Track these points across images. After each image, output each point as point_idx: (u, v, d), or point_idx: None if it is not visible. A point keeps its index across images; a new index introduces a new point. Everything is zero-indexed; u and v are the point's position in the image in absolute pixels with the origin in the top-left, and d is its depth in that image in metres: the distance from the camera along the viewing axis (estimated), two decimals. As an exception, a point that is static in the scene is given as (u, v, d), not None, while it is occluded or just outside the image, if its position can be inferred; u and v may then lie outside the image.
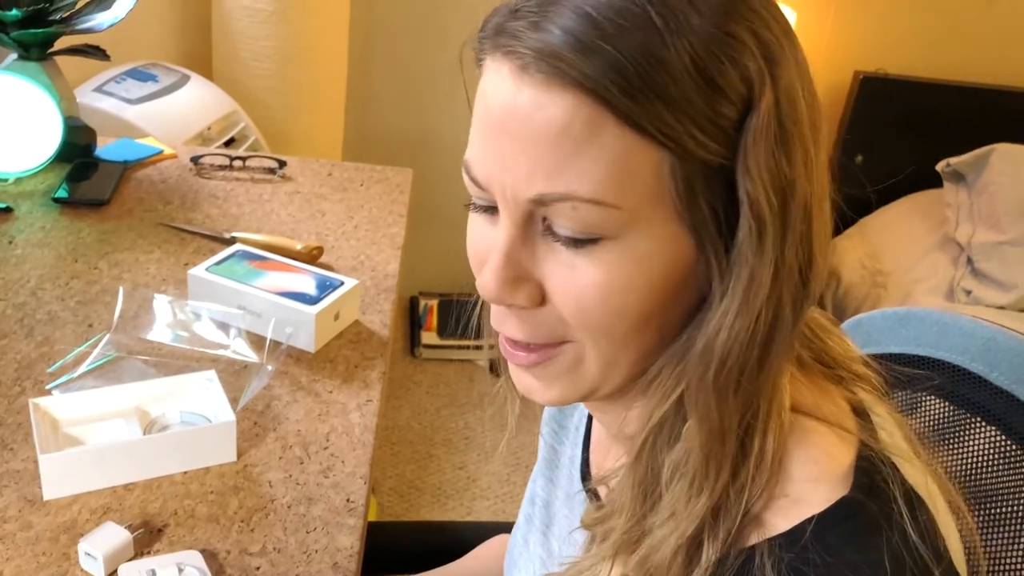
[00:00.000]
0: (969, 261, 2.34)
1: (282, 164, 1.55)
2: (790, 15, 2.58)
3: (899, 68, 2.67)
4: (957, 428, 0.75)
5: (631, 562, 0.53)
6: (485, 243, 0.53)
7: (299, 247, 1.26)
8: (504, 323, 0.54)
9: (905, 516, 0.49)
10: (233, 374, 1.03)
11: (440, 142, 2.70)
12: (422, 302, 2.81)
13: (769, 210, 0.47)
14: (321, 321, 1.07)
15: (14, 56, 1.48)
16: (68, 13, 1.45)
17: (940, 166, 2.51)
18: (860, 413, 0.55)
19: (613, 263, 0.49)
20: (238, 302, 1.10)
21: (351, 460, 0.94)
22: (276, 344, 1.06)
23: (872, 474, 0.50)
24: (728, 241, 0.49)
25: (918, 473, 0.53)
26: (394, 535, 1.20)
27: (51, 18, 1.43)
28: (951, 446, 0.75)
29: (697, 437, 0.50)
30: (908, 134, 2.67)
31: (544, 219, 0.50)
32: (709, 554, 0.50)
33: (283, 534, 0.84)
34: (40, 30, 1.42)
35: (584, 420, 0.74)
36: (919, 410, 0.79)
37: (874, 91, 2.64)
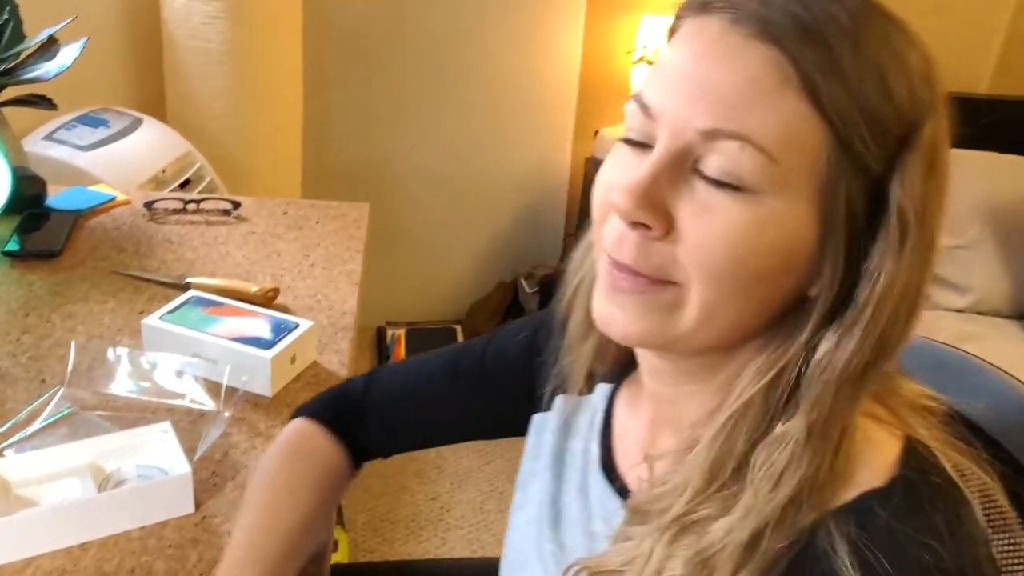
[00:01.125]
0: (927, 266, 2.37)
1: (236, 205, 1.54)
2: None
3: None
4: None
5: (686, 546, 0.54)
6: (618, 174, 0.57)
7: (254, 290, 1.26)
8: (622, 244, 0.56)
9: (953, 498, 0.52)
10: (191, 423, 1.02)
11: (400, 171, 2.71)
12: (389, 332, 2.81)
13: (913, 224, 0.51)
14: (277, 365, 1.07)
15: (-41, 109, 1.47)
16: (12, 64, 1.44)
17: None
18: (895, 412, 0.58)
19: (749, 215, 0.52)
20: (193, 350, 1.09)
21: (311, 505, 0.93)
22: (233, 390, 1.06)
23: (920, 459, 0.54)
24: (853, 249, 0.53)
25: (960, 464, 0.56)
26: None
27: (-5, 70, 1.42)
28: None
29: (803, 432, 0.52)
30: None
31: (696, 161, 0.53)
32: (773, 542, 0.52)
33: None
34: (-16, 83, 1.41)
35: (599, 416, 0.76)
36: None
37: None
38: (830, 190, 0.52)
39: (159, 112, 2.12)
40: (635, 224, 0.55)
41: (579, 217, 2.94)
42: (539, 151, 2.78)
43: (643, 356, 0.67)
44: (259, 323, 1.13)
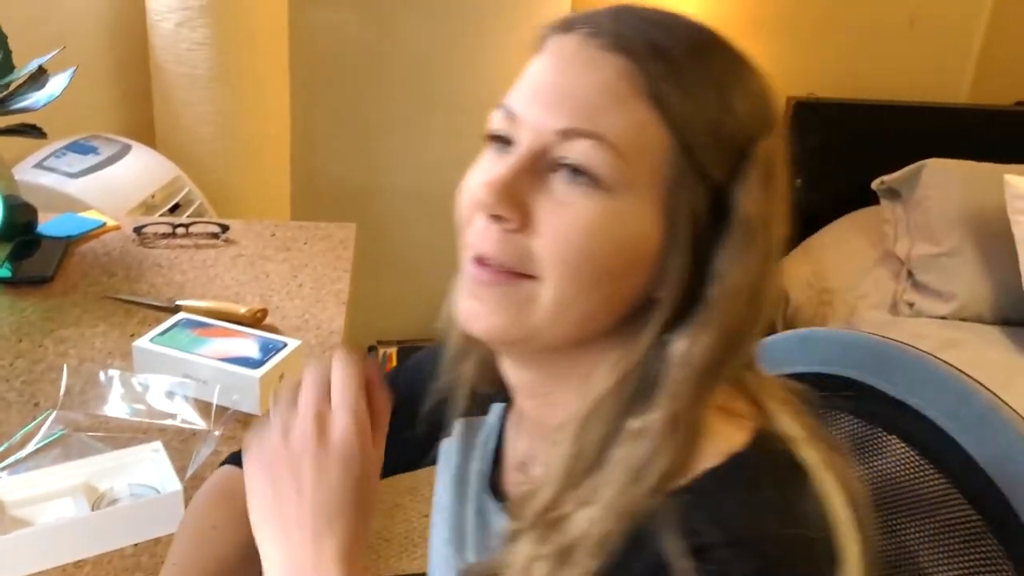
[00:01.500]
0: (910, 275, 2.40)
1: (225, 228, 1.57)
2: (719, 48, 2.66)
3: (829, 91, 2.76)
4: (862, 440, 0.79)
5: (551, 542, 0.57)
6: (483, 171, 0.60)
7: (243, 311, 1.28)
8: (484, 237, 0.59)
9: (792, 480, 0.55)
10: (182, 442, 1.04)
11: (389, 191, 2.74)
12: (380, 350, 2.83)
13: (758, 227, 0.56)
14: (265, 384, 1.09)
15: (-50, 140, 1.50)
16: (2, 95, 1.47)
17: (875, 184, 2.59)
18: (760, 406, 0.61)
19: (600, 211, 0.56)
20: (183, 371, 1.12)
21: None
22: (223, 410, 1.08)
23: (766, 444, 0.57)
24: (696, 251, 0.57)
25: (811, 455, 0.58)
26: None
27: (-15, 101, 1.45)
28: (856, 457, 0.79)
29: (661, 425, 0.55)
30: (843, 155, 2.75)
31: (554, 161, 0.57)
32: (623, 531, 0.55)
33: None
34: (-25, 113, 1.44)
35: (493, 435, 0.77)
36: (829, 424, 0.83)
37: (807, 115, 2.73)
38: (674, 192, 0.56)
39: (148, 138, 2.15)
40: (495, 217, 0.58)
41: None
42: (526, 168, 2.81)
43: (509, 371, 0.68)
44: (248, 343, 1.15)
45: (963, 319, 2.31)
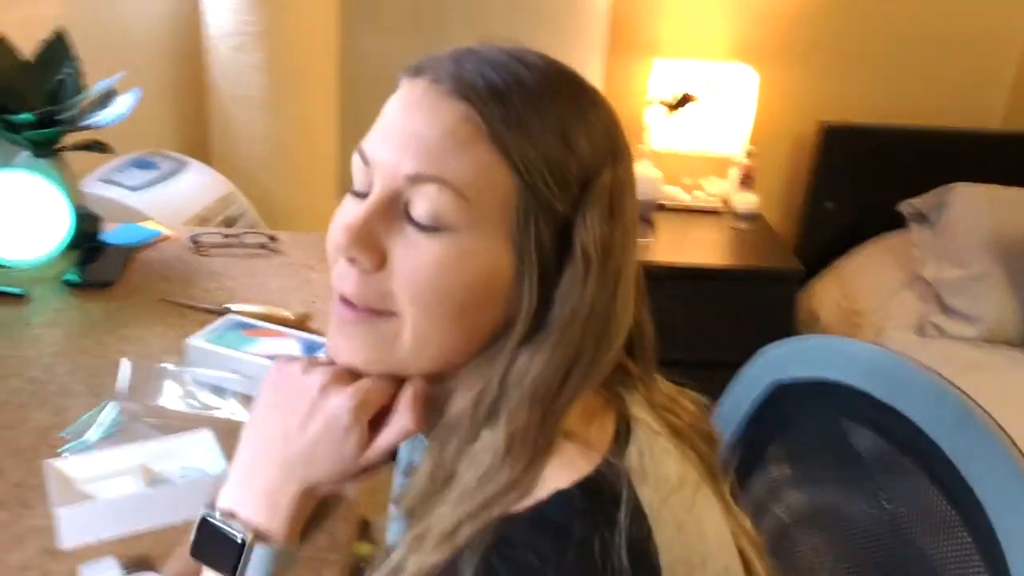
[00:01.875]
0: (937, 297, 2.44)
1: (273, 239, 1.68)
2: (752, 74, 2.73)
3: (861, 116, 2.81)
4: (841, 439, 0.86)
5: (410, 534, 0.62)
6: (345, 215, 0.63)
7: (288, 314, 1.38)
8: (344, 278, 0.63)
9: (616, 520, 0.57)
10: (229, 433, 1.14)
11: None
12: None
13: (595, 258, 0.60)
14: (307, 380, 1.19)
15: (26, 153, 1.62)
16: (74, 113, 1.60)
17: (902, 207, 2.64)
18: (625, 427, 0.64)
19: (449, 251, 0.60)
20: (232, 367, 1.22)
21: (333, 504, 1.04)
22: (267, 403, 1.17)
23: (597, 482, 0.59)
24: (545, 280, 0.61)
25: (652, 493, 0.60)
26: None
27: (58, 118, 1.58)
28: (842, 456, 0.85)
29: (501, 443, 0.60)
30: (873, 179, 2.80)
31: (406, 205, 0.61)
32: (466, 535, 0.59)
33: (273, 570, 0.94)
34: (49, 130, 1.56)
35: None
36: (807, 427, 0.90)
37: (838, 140, 2.78)
38: (521, 227, 0.60)
39: (204, 155, 2.28)
40: (351, 259, 0.61)
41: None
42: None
43: None
44: (291, 343, 1.25)
45: (990, 342, 2.35)
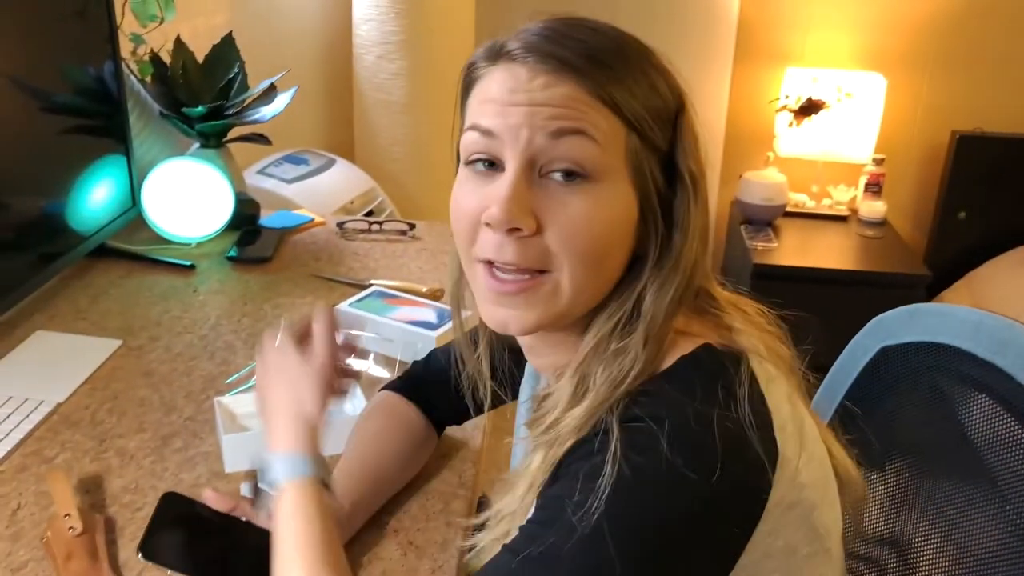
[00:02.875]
0: (1075, 308, 2.37)
1: (412, 227, 1.80)
2: (881, 81, 2.72)
3: (995, 126, 2.75)
4: (956, 397, 0.89)
5: (546, 441, 0.70)
6: (477, 198, 0.70)
7: (424, 289, 1.50)
8: (503, 249, 0.68)
9: (734, 380, 0.66)
10: (371, 388, 1.25)
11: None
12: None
13: (698, 178, 0.70)
14: (441, 343, 1.29)
15: (197, 144, 1.81)
16: (239, 108, 1.77)
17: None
18: (728, 331, 0.72)
19: (593, 200, 0.67)
20: (374, 330, 1.34)
21: (464, 450, 1.14)
22: (404, 363, 1.29)
23: (716, 351, 0.69)
24: (664, 212, 0.70)
25: (764, 371, 0.69)
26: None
27: (226, 112, 1.75)
28: (948, 412, 0.89)
29: (640, 343, 0.68)
30: (1009, 189, 2.73)
31: (543, 167, 0.67)
32: (599, 413, 0.67)
33: (409, 499, 1.04)
34: (218, 122, 1.74)
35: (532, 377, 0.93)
36: (911, 387, 0.93)
37: (972, 149, 2.73)
38: (639, 170, 0.68)
39: (349, 154, 2.45)
40: (511, 230, 0.67)
41: (724, 257, 3.07)
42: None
43: (521, 341, 0.82)
44: (427, 312, 1.36)
45: None
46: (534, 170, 0.67)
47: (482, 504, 0.83)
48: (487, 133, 0.69)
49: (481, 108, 0.70)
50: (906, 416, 0.97)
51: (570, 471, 0.65)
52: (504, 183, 0.67)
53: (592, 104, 0.66)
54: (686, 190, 0.70)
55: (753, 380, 0.67)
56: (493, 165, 0.69)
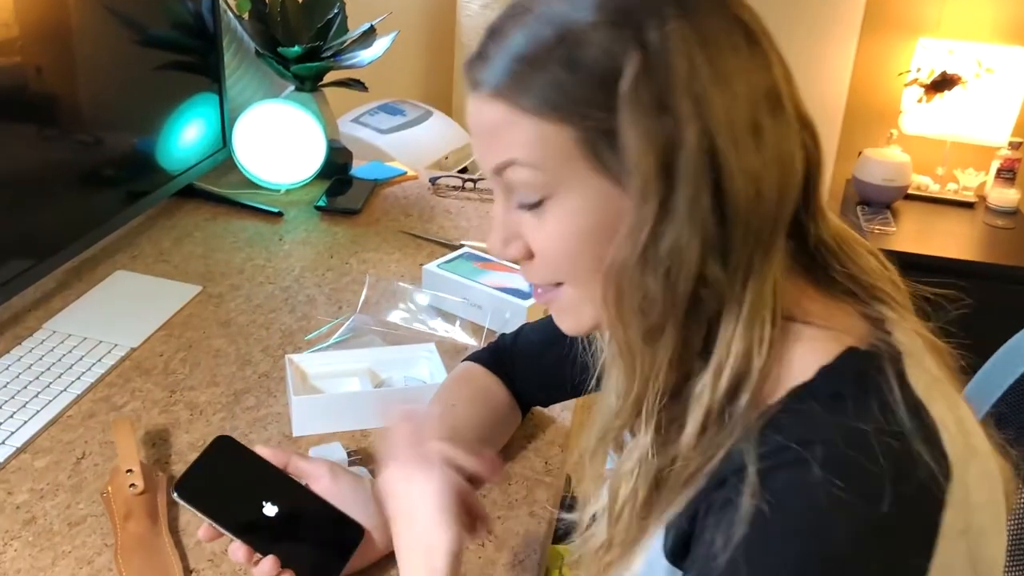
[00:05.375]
0: None
1: (508, 186, 1.71)
2: (1028, 57, 2.49)
3: None
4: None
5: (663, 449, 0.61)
6: (490, 229, 0.68)
7: (518, 253, 1.41)
8: (522, 273, 0.68)
9: (889, 391, 0.55)
10: (454, 354, 1.17)
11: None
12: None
13: (653, 160, 0.56)
14: (533, 314, 1.20)
15: (291, 88, 1.75)
16: (337, 50, 1.70)
17: None
18: (875, 323, 0.61)
19: (559, 217, 0.61)
20: (463, 294, 1.25)
21: (550, 431, 1.05)
22: (491, 332, 1.20)
23: (863, 357, 0.58)
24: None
25: (918, 373, 0.58)
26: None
27: (323, 54, 1.68)
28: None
29: (739, 334, 0.58)
30: None
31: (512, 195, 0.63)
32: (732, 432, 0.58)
33: (488, 483, 0.96)
34: (315, 64, 1.67)
35: None
36: None
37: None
38: (596, 155, 0.58)
39: (445, 106, 2.36)
40: (510, 259, 0.66)
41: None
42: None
43: None
44: (520, 279, 1.27)
45: None
46: (511, 199, 0.64)
47: (570, 504, 0.74)
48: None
49: None
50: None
51: (705, 536, 0.56)
52: (494, 217, 0.66)
53: (517, 121, 0.59)
54: (639, 175, 0.57)
55: (911, 387, 0.57)
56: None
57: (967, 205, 2.71)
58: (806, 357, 0.59)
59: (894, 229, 2.51)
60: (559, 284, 0.65)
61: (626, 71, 0.55)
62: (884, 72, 2.69)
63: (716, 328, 0.59)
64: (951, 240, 2.55)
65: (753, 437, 0.56)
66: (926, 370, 0.59)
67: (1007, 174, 2.64)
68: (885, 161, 2.60)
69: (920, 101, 2.59)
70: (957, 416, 0.58)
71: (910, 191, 2.70)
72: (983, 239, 2.56)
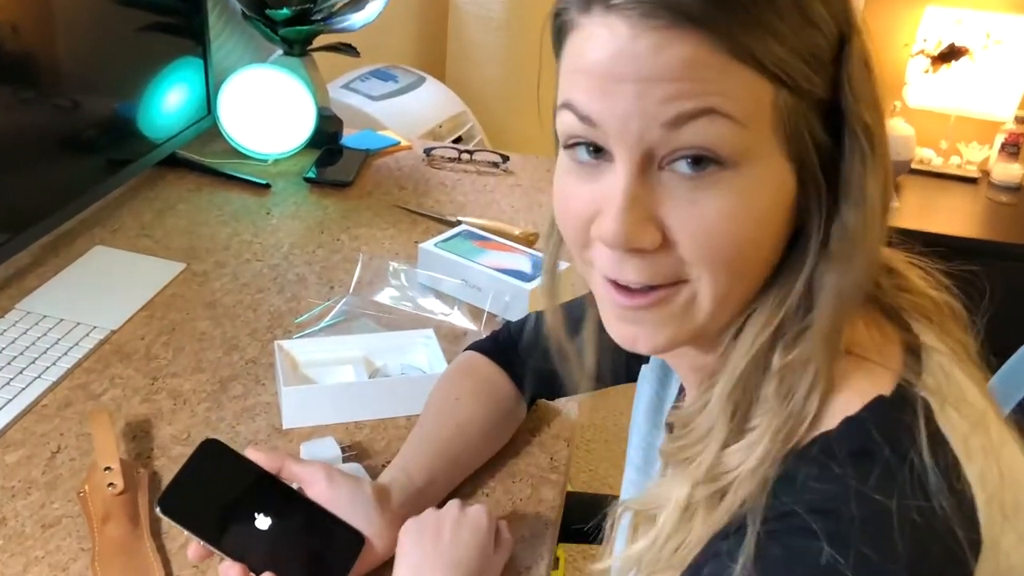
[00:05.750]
0: None
1: (505, 159, 1.64)
2: (1038, 29, 2.43)
3: None
4: None
5: (703, 483, 0.55)
6: (585, 199, 0.54)
7: (517, 232, 1.34)
8: (622, 268, 0.54)
9: (917, 452, 0.49)
10: (453, 340, 1.12)
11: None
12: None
13: (876, 129, 0.52)
14: (535, 297, 1.14)
15: (279, 52, 1.67)
16: (327, 14, 1.62)
17: None
18: (914, 352, 0.55)
19: (734, 193, 0.51)
20: (461, 275, 1.19)
21: (556, 424, 0.99)
22: (492, 316, 1.14)
23: (892, 407, 0.52)
24: (827, 172, 0.53)
25: (957, 419, 0.52)
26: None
27: (313, 17, 1.60)
28: None
29: (820, 350, 0.53)
30: None
31: (664, 159, 0.51)
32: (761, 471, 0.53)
33: (492, 480, 0.90)
34: (304, 27, 1.59)
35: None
36: None
37: None
38: (795, 134, 0.51)
39: (439, 73, 2.28)
40: (633, 249, 0.52)
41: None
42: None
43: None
44: (521, 259, 1.21)
45: None
46: (653, 164, 0.51)
47: (603, 510, 0.68)
48: (586, 120, 0.52)
49: (575, 79, 0.52)
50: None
51: None
52: (616, 189, 0.51)
53: (723, 66, 0.48)
54: (858, 147, 0.52)
55: (946, 440, 0.51)
56: (600, 151, 0.53)
57: (970, 180, 2.65)
58: (835, 401, 0.53)
59: (896, 204, 2.46)
60: (680, 282, 0.54)
61: (853, 40, 0.52)
62: (889, 43, 2.62)
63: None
64: (954, 216, 2.50)
65: (767, 488, 0.51)
66: (965, 416, 0.53)
67: (1011, 149, 2.59)
68: (889, 134, 2.54)
69: (926, 72, 2.52)
70: (999, 470, 0.52)
71: (914, 165, 2.64)
72: (986, 215, 2.52)
